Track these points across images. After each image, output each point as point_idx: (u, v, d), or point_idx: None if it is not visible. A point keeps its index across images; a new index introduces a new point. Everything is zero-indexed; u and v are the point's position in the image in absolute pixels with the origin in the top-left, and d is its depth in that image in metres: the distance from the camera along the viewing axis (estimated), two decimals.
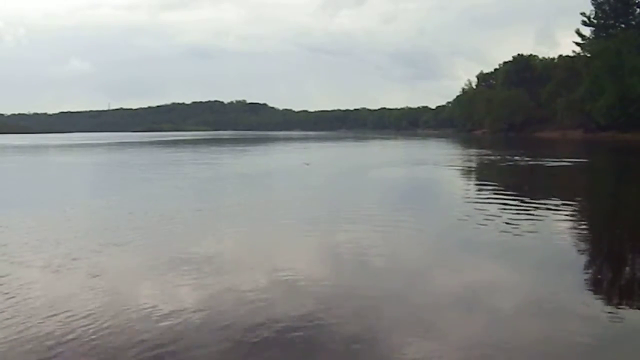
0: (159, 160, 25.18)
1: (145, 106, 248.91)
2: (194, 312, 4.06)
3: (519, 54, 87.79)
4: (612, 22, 60.56)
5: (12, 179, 16.71)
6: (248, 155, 30.53)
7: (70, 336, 3.61)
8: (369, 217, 8.10)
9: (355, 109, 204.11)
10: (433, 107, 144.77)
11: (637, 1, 58.86)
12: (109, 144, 46.03)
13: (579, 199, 11.38)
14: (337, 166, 19.66)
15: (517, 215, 8.11)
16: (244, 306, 4.19)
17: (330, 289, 4.67)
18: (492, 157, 25.23)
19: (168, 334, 3.66)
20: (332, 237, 6.98)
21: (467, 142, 47.61)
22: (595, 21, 61.47)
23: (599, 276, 5.41)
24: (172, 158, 26.86)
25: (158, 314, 4.01)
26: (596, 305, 4.31)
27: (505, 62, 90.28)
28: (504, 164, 20.90)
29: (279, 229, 7.48)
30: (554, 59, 79.09)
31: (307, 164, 17.25)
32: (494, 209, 8.82)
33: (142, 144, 47.78)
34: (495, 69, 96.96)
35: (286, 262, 5.61)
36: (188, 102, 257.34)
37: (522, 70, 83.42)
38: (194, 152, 33.44)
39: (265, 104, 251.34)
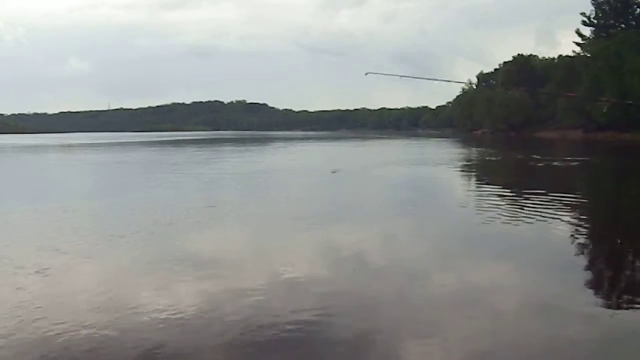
0: (190, 159, 25.78)
1: (145, 106, 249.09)
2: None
3: (519, 54, 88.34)
4: (612, 22, 61.11)
5: (79, 176, 17.51)
6: (266, 153, 31.36)
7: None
8: (376, 215, 8.82)
9: (355, 109, 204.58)
10: (433, 107, 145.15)
11: (637, 1, 59.40)
12: (122, 144, 46.38)
13: (582, 196, 11.70)
14: (355, 166, 20.27)
15: (521, 215, 8.19)
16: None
17: (336, 287, 4.85)
18: (495, 157, 25.84)
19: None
20: (354, 232, 7.47)
21: (468, 142, 48.08)
22: (595, 21, 62.05)
23: (601, 275, 5.52)
24: (199, 156, 27.50)
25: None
26: (598, 305, 4.38)
27: (505, 62, 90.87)
28: (507, 164, 21.50)
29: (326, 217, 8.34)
30: (554, 59, 79.75)
31: (334, 172, 16.64)
32: (497, 207, 9.07)
33: (152, 143, 48.23)
34: (495, 69, 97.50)
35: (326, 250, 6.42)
36: (188, 102, 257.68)
37: (522, 70, 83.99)
38: (212, 151, 33.93)
39: (265, 104, 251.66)
